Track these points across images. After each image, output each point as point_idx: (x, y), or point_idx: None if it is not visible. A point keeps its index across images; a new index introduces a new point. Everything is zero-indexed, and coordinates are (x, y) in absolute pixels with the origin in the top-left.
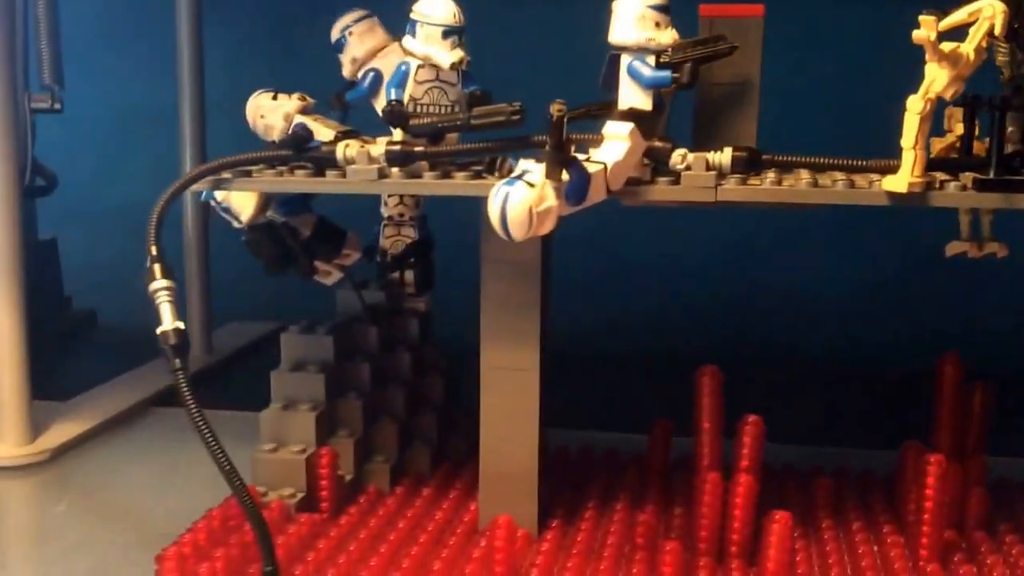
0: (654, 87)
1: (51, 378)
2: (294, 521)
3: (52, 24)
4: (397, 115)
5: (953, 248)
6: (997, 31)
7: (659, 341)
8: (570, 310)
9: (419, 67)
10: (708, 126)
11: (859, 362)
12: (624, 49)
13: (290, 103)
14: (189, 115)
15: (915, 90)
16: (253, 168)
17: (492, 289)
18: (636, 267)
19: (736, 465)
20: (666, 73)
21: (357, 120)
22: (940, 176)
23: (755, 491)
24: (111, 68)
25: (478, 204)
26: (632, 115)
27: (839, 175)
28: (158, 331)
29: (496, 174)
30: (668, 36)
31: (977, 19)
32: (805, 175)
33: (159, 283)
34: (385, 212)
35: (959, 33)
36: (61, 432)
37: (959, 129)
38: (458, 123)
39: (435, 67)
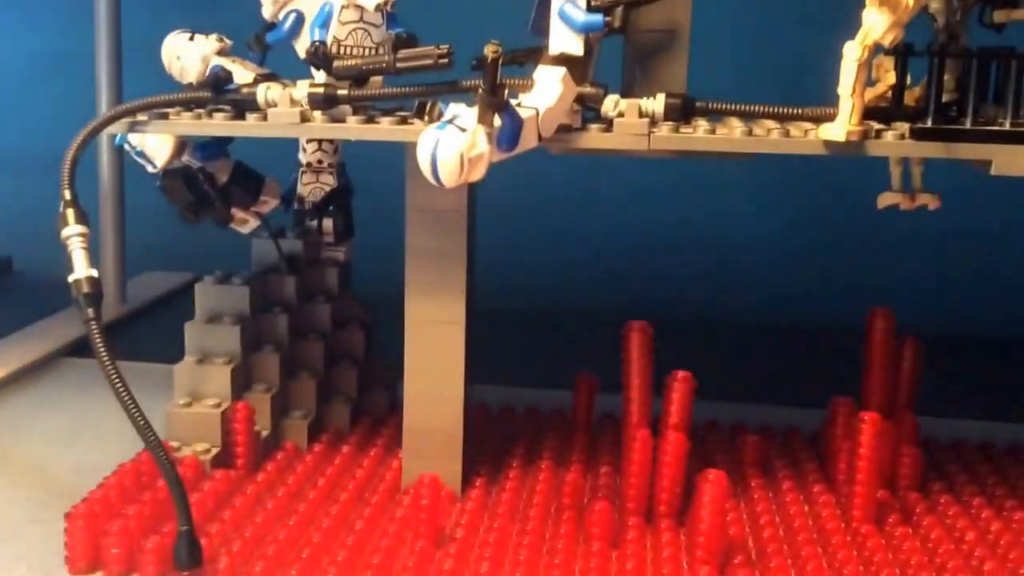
0: (586, 31)
1: None
2: (209, 478)
3: None
4: (321, 57)
5: (885, 200)
6: None
7: (584, 295)
8: (494, 262)
9: (343, 7)
10: (638, 73)
11: (787, 316)
12: None
13: (207, 44)
14: (105, 58)
15: (851, 36)
16: (170, 111)
17: (417, 239)
18: (561, 219)
19: (665, 422)
20: (598, 17)
21: (276, 63)
22: (875, 125)
23: (685, 449)
24: (26, 12)
25: (401, 150)
26: (563, 60)
27: (773, 124)
28: (70, 279)
29: (425, 119)
30: None
31: None
32: (738, 124)
33: (72, 229)
34: (303, 159)
35: None
36: None
37: (889, 79)
38: (384, 66)
39: (359, 7)
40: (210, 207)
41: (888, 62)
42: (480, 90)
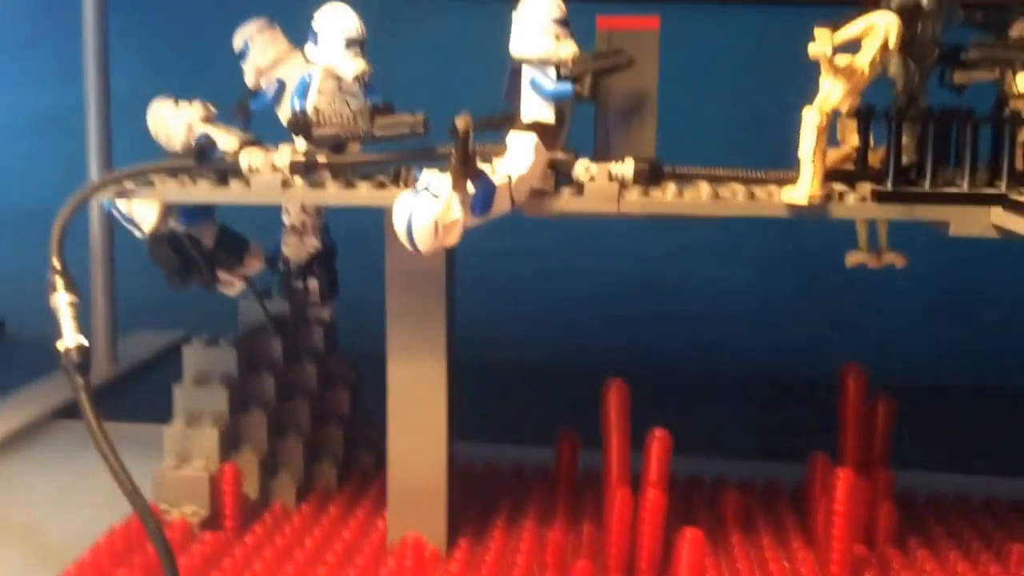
0: (556, 99)
1: None
2: (198, 540)
3: None
4: (300, 125)
5: (853, 259)
6: (891, 45)
7: (563, 351)
8: (477, 319)
9: (322, 78)
10: (609, 137)
11: (766, 372)
12: (525, 61)
13: (192, 111)
14: (95, 120)
15: (812, 101)
16: (155, 178)
17: (397, 300)
18: (543, 276)
19: (644, 480)
20: (567, 86)
21: (260, 128)
22: (838, 187)
23: (663, 507)
24: (19, 73)
25: (382, 214)
26: (535, 127)
27: (739, 187)
28: (60, 348)
29: (400, 185)
30: (568, 49)
31: (871, 33)
32: (706, 186)
33: (61, 297)
34: (287, 221)
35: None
36: None
37: (853, 140)
38: (361, 133)
39: (338, 78)
40: (196, 271)
41: (852, 123)
42: (452, 160)
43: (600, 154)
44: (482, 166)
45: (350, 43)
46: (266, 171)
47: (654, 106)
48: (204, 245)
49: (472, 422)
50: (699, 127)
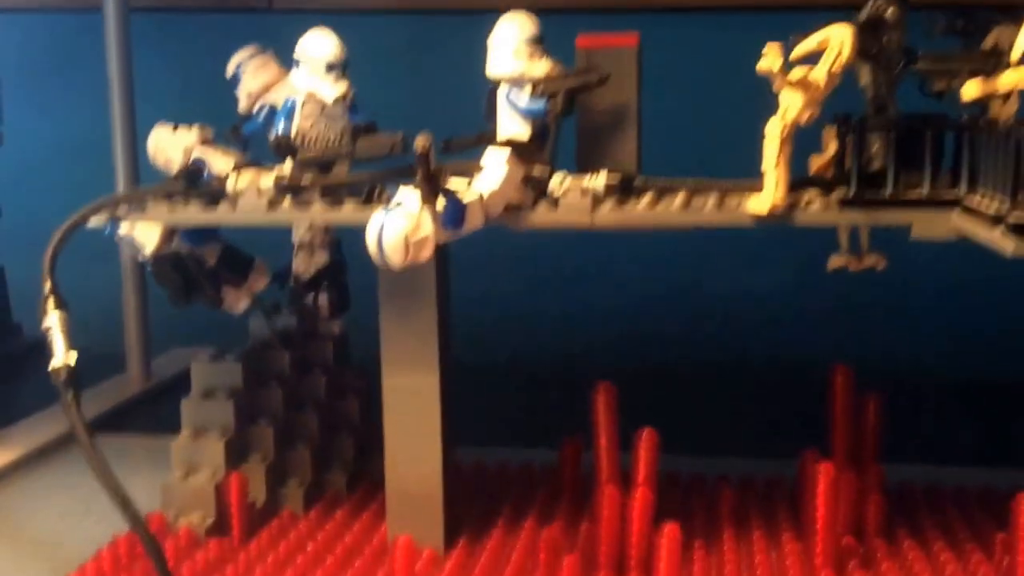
0: (530, 116)
1: None
2: (202, 547)
3: None
4: (284, 148)
5: (834, 262)
6: (845, 57)
7: (561, 354)
8: (478, 319)
9: (304, 102)
10: (590, 150)
11: (763, 370)
12: (501, 80)
13: (189, 136)
14: (121, 146)
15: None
16: (149, 201)
17: (389, 311)
18: (547, 280)
19: (633, 479)
20: (540, 104)
21: (263, 152)
22: (811, 193)
23: (651, 504)
24: (46, 100)
25: None
26: (511, 144)
27: (711, 197)
28: (50, 368)
29: (375, 202)
30: (542, 67)
31: (827, 45)
32: (679, 197)
33: (52, 317)
34: (297, 237)
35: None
36: None
37: (834, 147)
38: (343, 154)
39: (320, 101)
40: (199, 290)
41: (834, 130)
42: (417, 179)
43: (581, 166)
44: (460, 182)
45: (330, 67)
46: (251, 193)
47: (634, 121)
48: (207, 264)
49: (477, 426)
50: (686, 137)
